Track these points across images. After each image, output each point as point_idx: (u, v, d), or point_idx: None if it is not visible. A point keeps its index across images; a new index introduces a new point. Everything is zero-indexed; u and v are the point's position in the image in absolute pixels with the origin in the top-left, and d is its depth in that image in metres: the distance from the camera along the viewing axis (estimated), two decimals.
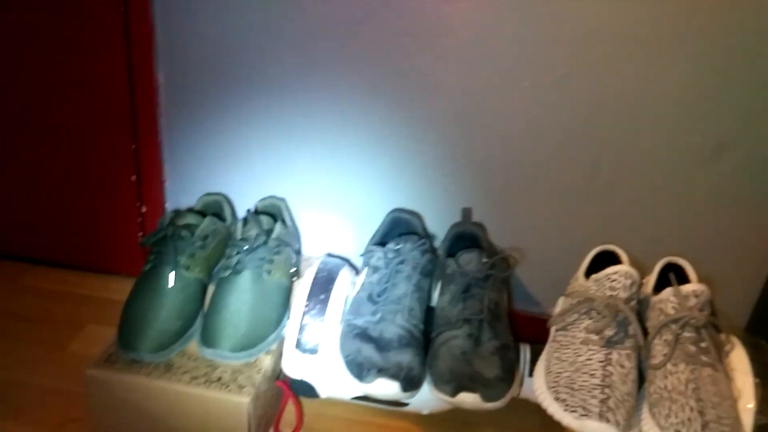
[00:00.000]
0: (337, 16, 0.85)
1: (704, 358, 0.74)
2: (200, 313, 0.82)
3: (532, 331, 0.94)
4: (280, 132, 0.94)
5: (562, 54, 0.82)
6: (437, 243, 0.94)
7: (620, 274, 0.77)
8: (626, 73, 0.81)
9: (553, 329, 0.83)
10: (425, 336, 0.80)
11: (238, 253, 0.81)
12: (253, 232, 0.83)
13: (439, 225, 0.95)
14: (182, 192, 0.99)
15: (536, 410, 0.79)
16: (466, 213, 0.93)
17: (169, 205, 1.01)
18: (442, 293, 0.83)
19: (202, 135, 0.96)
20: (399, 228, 0.92)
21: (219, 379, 0.76)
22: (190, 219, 0.85)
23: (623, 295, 0.77)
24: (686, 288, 0.77)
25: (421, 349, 0.78)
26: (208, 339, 0.77)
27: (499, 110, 0.87)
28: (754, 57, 0.78)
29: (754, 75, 0.79)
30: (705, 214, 0.87)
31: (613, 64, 0.81)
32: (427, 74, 0.87)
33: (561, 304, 0.87)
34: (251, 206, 0.95)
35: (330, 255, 0.97)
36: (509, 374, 0.76)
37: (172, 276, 0.80)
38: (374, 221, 0.93)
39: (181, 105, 0.94)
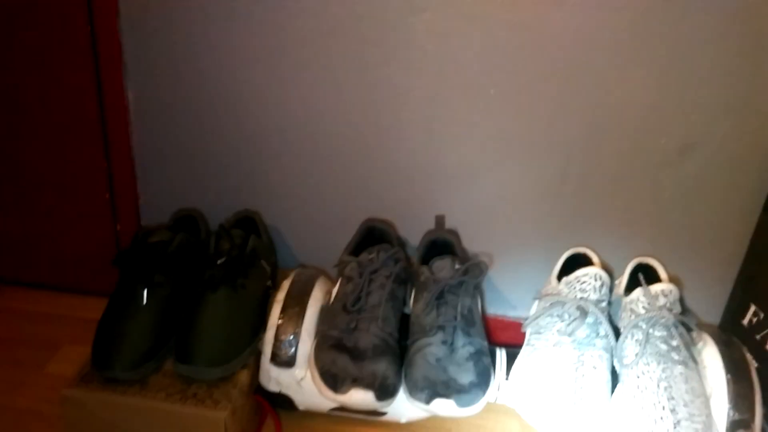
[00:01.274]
0: (305, 29, 0.86)
1: (675, 356, 0.75)
2: (175, 329, 0.82)
3: (509, 335, 0.95)
4: (252, 146, 0.94)
5: (526, 61, 0.83)
6: (412, 251, 0.95)
7: (590, 275, 0.78)
8: (590, 78, 0.83)
9: (527, 332, 0.83)
10: (401, 344, 0.81)
11: (211, 268, 0.81)
12: (226, 246, 0.83)
13: (413, 233, 0.96)
14: (156, 209, 0.99)
15: (515, 414, 0.80)
16: (440, 220, 0.94)
17: (144, 222, 1.01)
18: (416, 301, 0.83)
19: (175, 151, 0.96)
20: (373, 237, 0.92)
21: (195, 395, 0.76)
22: (163, 236, 0.85)
23: (593, 296, 0.78)
24: (655, 288, 0.78)
25: (397, 358, 0.78)
26: (182, 355, 0.77)
27: (467, 118, 0.88)
28: (714, 59, 0.80)
29: (716, 76, 0.81)
30: (674, 214, 0.89)
31: (576, 69, 0.82)
32: (395, 84, 0.88)
33: (535, 307, 0.88)
34: (224, 220, 0.95)
35: (305, 266, 0.97)
36: (484, 379, 0.76)
37: (145, 293, 0.80)
38: (349, 231, 0.94)
39: (152, 122, 0.95)
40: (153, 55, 0.90)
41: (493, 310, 0.99)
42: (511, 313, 0.98)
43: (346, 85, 0.88)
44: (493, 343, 0.90)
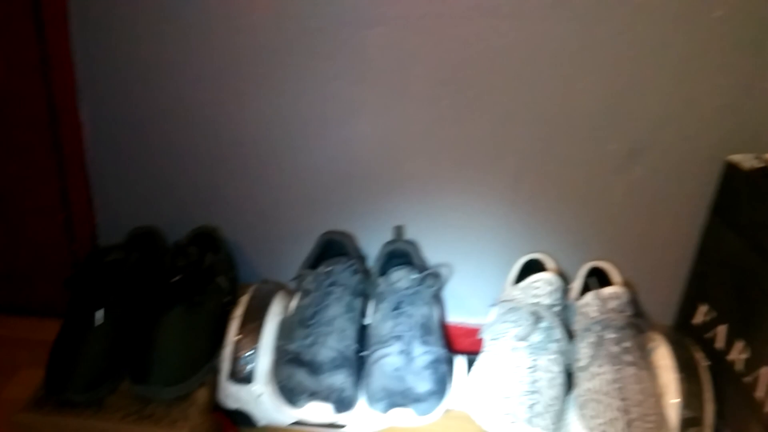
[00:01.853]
0: (258, 44, 0.86)
1: (627, 358, 0.76)
2: (131, 349, 0.81)
3: (471, 342, 0.96)
4: (209, 161, 0.94)
5: (476, 73, 0.85)
6: (372, 262, 0.95)
7: (542, 281, 0.80)
8: (538, 88, 0.85)
9: (485, 339, 0.84)
10: (360, 355, 0.81)
11: (166, 286, 0.81)
12: (182, 264, 0.83)
13: (373, 244, 0.96)
14: (113, 228, 0.98)
15: (474, 420, 0.81)
16: (398, 231, 0.95)
17: (101, 242, 1.00)
18: (374, 312, 0.84)
19: (130, 169, 0.95)
20: (332, 250, 0.92)
21: (152, 415, 0.75)
22: (118, 255, 0.84)
23: (546, 301, 0.79)
24: (605, 291, 0.79)
25: (355, 370, 0.78)
26: (138, 375, 0.77)
27: (420, 130, 0.89)
28: (657, 67, 0.82)
29: (659, 83, 0.83)
30: (625, 218, 0.91)
31: (526, 79, 0.84)
32: (350, 97, 0.88)
33: (493, 313, 0.89)
34: (183, 237, 0.95)
35: (267, 281, 0.97)
36: (442, 387, 0.77)
37: (100, 314, 0.79)
38: (309, 244, 0.94)
39: (106, 140, 0.94)
40: (106, 76, 0.90)
41: (455, 317, 1.00)
42: (473, 320, 0.99)
43: (301, 99, 0.89)
44: (456, 351, 0.91)
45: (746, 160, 0.83)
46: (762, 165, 0.81)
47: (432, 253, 0.96)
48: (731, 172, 0.83)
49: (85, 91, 0.91)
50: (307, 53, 0.86)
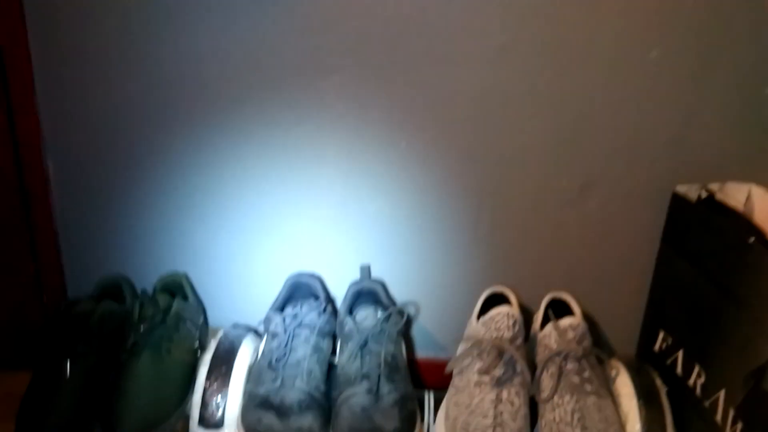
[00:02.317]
0: (220, 93, 0.89)
1: (588, 387, 0.78)
2: (101, 398, 0.81)
3: (439, 378, 0.97)
4: (176, 208, 0.96)
5: (431, 115, 0.88)
6: (340, 302, 0.97)
7: (502, 315, 0.82)
8: (491, 129, 0.88)
9: (452, 374, 0.86)
10: (329, 396, 0.82)
11: (135, 334, 0.82)
12: (149, 312, 0.84)
13: (341, 284, 0.98)
14: (83, 278, 0.99)
15: None
16: (364, 270, 0.97)
17: (71, 293, 1.01)
18: (341, 352, 0.85)
19: (98, 218, 0.97)
20: (300, 292, 0.94)
21: None
22: (87, 306, 0.85)
23: (508, 334, 0.81)
24: (564, 322, 0.82)
25: (324, 410, 0.79)
26: (108, 424, 0.77)
27: (382, 170, 0.92)
28: (602, 105, 0.86)
29: (605, 121, 0.87)
30: (580, 249, 0.94)
31: (477, 121, 0.88)
32: (311, 142, 0.91)
33: (459, 348, 0.91)
34: (153, 283, 0.96)
35: (235, 325, 0.98)
36: (409, 425, 0.78)
37: (68, 365, 0.80)
38: (277, 287, 0.96)
39: (73, 191, 0.96)
40: (71, 128, 0.92)
41: (424, 353, 1.02)
42: (442, 355, 1.01)
43: (264, 145, 0.92)
44: (425, 386, 0.92)
45: (692, 191, 0.86)
46: (707, 195, 0.85)
47: (399, 291, 0.98)
48: (678, 203, 0.87)
49: (51, 145, 0.93)
50: (268, 102, 0.89)
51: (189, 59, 0.88)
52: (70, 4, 0.86)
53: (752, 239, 0.73)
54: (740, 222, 0.78)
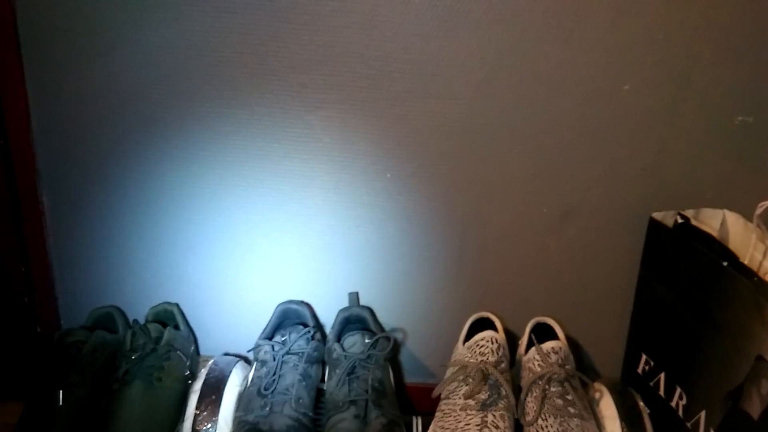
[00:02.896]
0: (210, 128, 0.92)
1: (571, 410, 0.80)
2: (93, 427, 0.83)
3: (428, 403, 0.99)
4: (167, 239, 0.98)
5: (415, 147, 0.91)
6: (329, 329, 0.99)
7: (486, 339, 0.84)
8: (472, 160, 0.91)
9: (439, 398, 0.87)
10: (318, 422, 0.84)
11: (126, 364, 0.83)
12: (140, 341, 0.85)
13: (330, 312, 1.00)
14: (76, 309, 1.01)
15: None
16: (353, 298, 0.99)
17: (64, 324, 1.02)
18: (329, 378, 0.87)
19: (91, 250, 0.99)
20: (289, 319, 0.96)
21: None
22: (79, 335, 0.87)
23: (492, 359, 0.83)
24: (546, 346, 0.84)
25: None
26: None
27: (368, 200, 0.95)
28: (578, 135, 0.90)
29: (582, 150, 0.90)
30: (564, 274, 0.96)
31: (460, 152, 0.91)
32: (299, 174, 0.94)
33: (447, 373, 0.92)
34: (144, 314, 0.98)
35: (227, 354, 1.00)
36: None
37: (60, 395, 0.81)
38: (267, 315, 0.97)
39: (67, 224, 0.98)
40: (66, 162, 0.95)
41: (412, 378, 1.03)
42: (430, 380, 1.02)
43: (253, 178, 0.94)
44: (414, 411, 0.93)
45: (668, 217, 0.89)
46: (683, 221, 0.88)
47: (387, 318, 1.00)
48: (655, 228, 0.90)
49: (47, 179, 0.96)
50: (257, 136, 0.92)
51: (183, 96, 0.91)
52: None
53: (725, 263, 0.76)
54: (715, 246, 0.81)
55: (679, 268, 0.85)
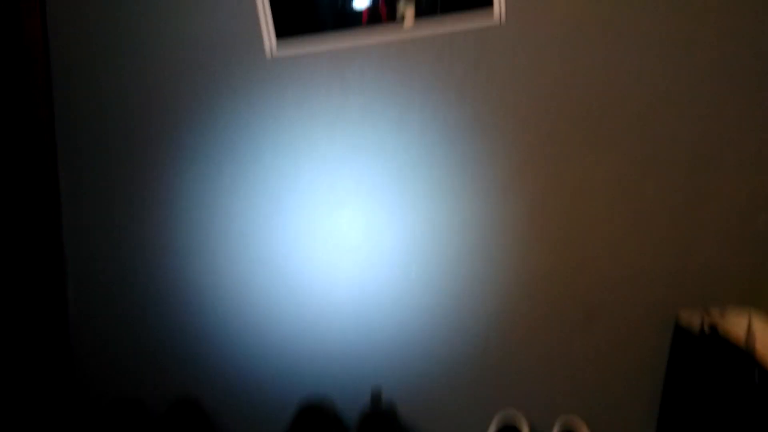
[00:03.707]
0: (235, 223, 0.94)
1: None
2: None
3: None
4: (190, 333, 0.98)
5: (440, 244, 0.92)
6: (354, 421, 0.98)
7: None
8: (497, 258, 0.92)
9: None
10: None
11: None
12: None
13: (352, 407, 0.99)
14: (97, 400, 1.00)
15: None
16: (375, 394, 0.98)
17: (85, 415, 1.01)
18: None
19: (113, 343, 0.99)
20: (311, 415, 0.95)
21: None
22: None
23: None
24: None
25: None
26: None
27: (393, 297, 0.95)
28: (603, 236, 0.90)
29: (608, 251, 0.91)
30: (588, 372, 0.95)
31: (484, 251, 0.92)
32: (325, 269, 0.95)
33: None
34: (165, 407, 0.97)
35: None
36: None
37: None
38: (290, 408, 0.96)
39: (91, 320, 0.98)
40: (92, 260, 0.96)
41: None
42: None
43: (276, 274, 0.95)
44: None
45: (694, 318, 0.89)
46: (710, 328, 0.87)
47: (409, 414, 0.99)
48: (682, 335, 0.89)
49: (74, 273, 0.97)
50: (284, 231, 0.93)
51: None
52: None
53: (756, 378, 0.75)
54: (744, 358, 0.80)
55: (707, 379, 0.84)
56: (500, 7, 0.83)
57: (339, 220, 0.93)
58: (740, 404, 0.78)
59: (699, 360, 0.85)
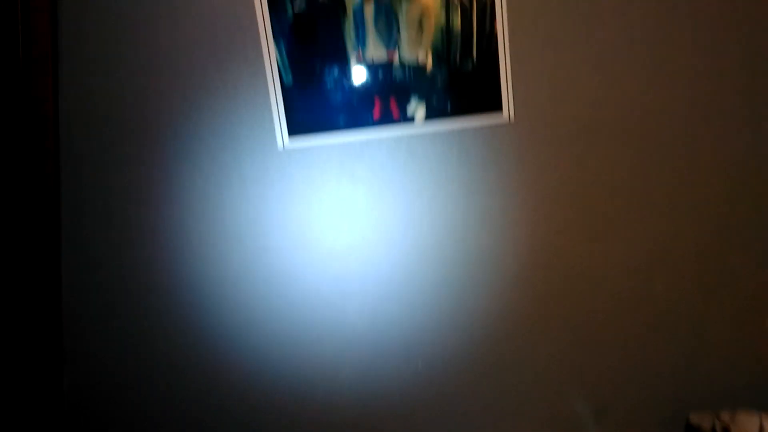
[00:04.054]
0: (240, 318, 0.93)
1: None
2: None
3: None
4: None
5: (448, 336, 0.91)
6: None
7: None
8: (504, 353, 0.91)
9: None
10: None
11: None
12: None
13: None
14: None
15: None
16: None
17: None
18: None
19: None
20: None
21: None
22: None
23: None
24: None
25: None
26: None
27: (398, 390, 0.93)
28: (612, 336, 0.90)
29: (617, 351, 0.90)
30: None
31: (491, 344, 0.91)
32: (327, 361, 0.93)
33: None
34: None
35: None
36: None
37: None
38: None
39: (87, 407, 0.96)
40: (90, 344, 0.94)
41: None
42: None
43: (280, 364, 0.93)
44: None
45: (705, 421, 0.87)
46: (722, 427, 0.85)
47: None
48: None
49: (71, 358, 0.95)
50: (288, 323, 0.92)
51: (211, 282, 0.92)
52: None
53: None
54: None
55: None
56: (509, 110, 0.85)
57: (346, 309, 0.92)
58: None
59: None
